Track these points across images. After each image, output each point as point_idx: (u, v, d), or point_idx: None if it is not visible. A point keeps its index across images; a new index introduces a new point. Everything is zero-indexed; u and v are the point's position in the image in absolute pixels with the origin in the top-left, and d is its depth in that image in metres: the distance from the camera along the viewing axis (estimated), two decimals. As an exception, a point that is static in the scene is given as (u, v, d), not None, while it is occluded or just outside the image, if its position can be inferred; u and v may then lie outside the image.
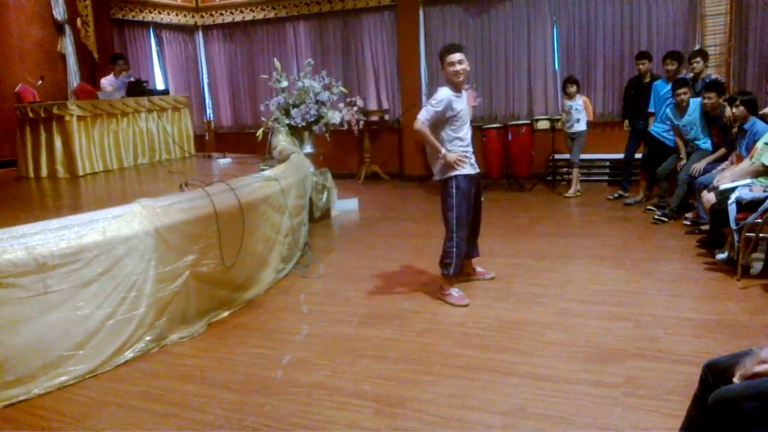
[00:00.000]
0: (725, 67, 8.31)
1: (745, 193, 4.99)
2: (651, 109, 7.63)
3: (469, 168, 4.69)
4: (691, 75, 7.47)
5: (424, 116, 4.58)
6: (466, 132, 4.71)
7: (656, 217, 6.84)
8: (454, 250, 4.70)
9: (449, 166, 4.64)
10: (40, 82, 8.56)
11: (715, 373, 2.33)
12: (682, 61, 7.54)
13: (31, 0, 9.25)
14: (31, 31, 9.25)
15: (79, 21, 9.63)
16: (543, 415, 3.09)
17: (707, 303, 4.47)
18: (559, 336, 4.00)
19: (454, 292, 4.73)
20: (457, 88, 4.61)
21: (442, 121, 4.61)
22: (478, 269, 5.25)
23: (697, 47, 8.49)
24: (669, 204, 7.03)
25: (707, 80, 6.94)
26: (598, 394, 3.25)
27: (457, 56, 4.51)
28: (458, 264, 4.76)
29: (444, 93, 4.59)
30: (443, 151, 4.61)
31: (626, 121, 8.21)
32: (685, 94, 6.76)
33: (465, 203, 4.69)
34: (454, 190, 4.67)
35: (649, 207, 7.45)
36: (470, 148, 4.76)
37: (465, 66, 4.55)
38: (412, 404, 3.27)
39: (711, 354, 2.66)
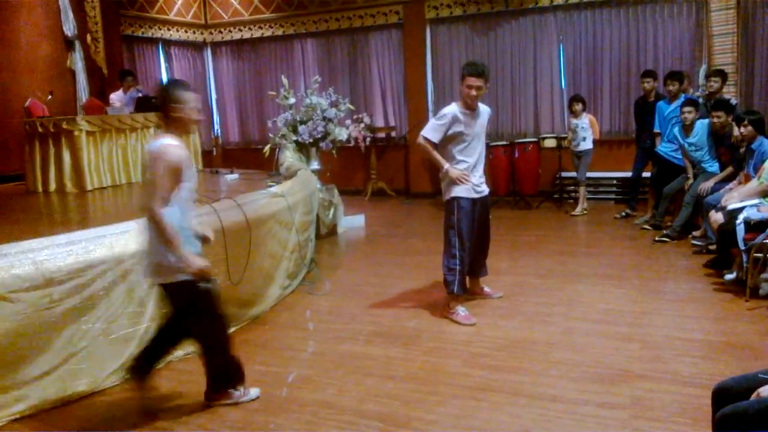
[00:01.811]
0: (735, 87, 8.28)
1: (753, 214, 4.97)
2: (657, 130, 7.63)
3: (469, 191, 4.66)
4: (697, 94, 7.45)
5: (425, 131, 4.63)
6: (473, 153, 4.68)
7: (658, 238, 6.80)
8: (458, 267, 4.69)
9: (451, 183, 4.64)
10: (49, 97, 8.62)
11: (725, 397, 2.33)
12: (683, 81, 7.54)
13: (42, 16, 9.34)
14: (42, 46, 9.33)
15: (89, 37, 9.72)
16: (550, 436, 3.07)
17: (715, 324, 4.44)
18: (566, 356, 3.98)
19: (461, 311, 4.71)
20: (469, 106, 4.62)
21: (448, 138, 4.62)
22: (486, 289, 5.23)
23: (703, 67, 8.51)
24: (665, 223, 7.05)
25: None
26: (605, 415, 3.22)
27: (475, 81, 4.50)
28: (462, 281, 4.74)
29: (449, 109, 4.61)
30: (446, 166, 4.61)
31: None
32: (690, 113, 6.74)
33: (466, 222, 4.68)
34: (455, 208, 4.68)
35: (644, 227, 7.43)
36: (477, 171, 4.72)
37: (482, 91, 4.56)
38: (417, 424, 3.24)
39: (719, 376, 2.64)
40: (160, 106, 3.24)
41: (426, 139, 4.60)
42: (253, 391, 3.60)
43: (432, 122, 4.68)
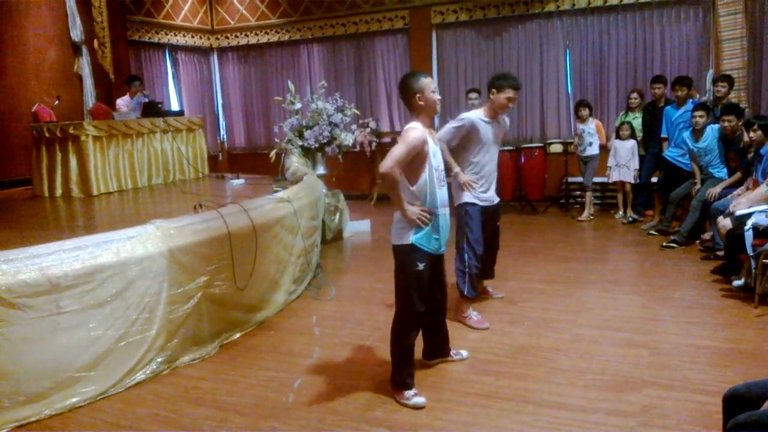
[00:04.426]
0: (745, 92, 8.24)
1: (761, 219, 4.94)
2: (663, 135, 7.62)
3: (478, 198, 4.70)
4: (704, 99, 7.42)
5: (440, 133, 4.62)
6: (486, 162, 4.69)
7: (665, 243, 6.77)
8: (467, 271, 4.71)
9: (460, 188, 4.66)
10: (56, 102, 8.65)
11: (736, 403, 2.31)
12: (692, 86, 7.53)
13: (49, 21, 9.38)
14: (49, 51, 9.37)
15: (95, 42, 9.75)
16: (558, 444, 3.04)
17: (724, 331, 4.40)
18: (573, 363, 3.95)
19: (473, 315, 4.71)
20: (494, 115, 4.66)
21: (463, 143, 4.63)
22: (488, 288, 5.31)
23: (710, 71, 8.48)
24: (672, 229, 7.02)
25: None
26: (614, 423, 3.19)
27: (516, 94, 4.60)
28: (472, 285, 4.75)
29: (470, 115, 4.64)
30: (455, 169, 4.65)
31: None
32: (701, 117, 6.73)
33: (476, 227, 4.70)
34: (464, 214, 4.71)
35: (651, 232, 7.40)
36: (489, 181, 4.74)
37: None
38: (423, 431, 3.22)
39: (729, 383, 2.61)
40: (403, 98, 3.56)
41: (440, 140, 4.59)
42: (420, 399, 3.53)
43: (448, 126, 4.69)
